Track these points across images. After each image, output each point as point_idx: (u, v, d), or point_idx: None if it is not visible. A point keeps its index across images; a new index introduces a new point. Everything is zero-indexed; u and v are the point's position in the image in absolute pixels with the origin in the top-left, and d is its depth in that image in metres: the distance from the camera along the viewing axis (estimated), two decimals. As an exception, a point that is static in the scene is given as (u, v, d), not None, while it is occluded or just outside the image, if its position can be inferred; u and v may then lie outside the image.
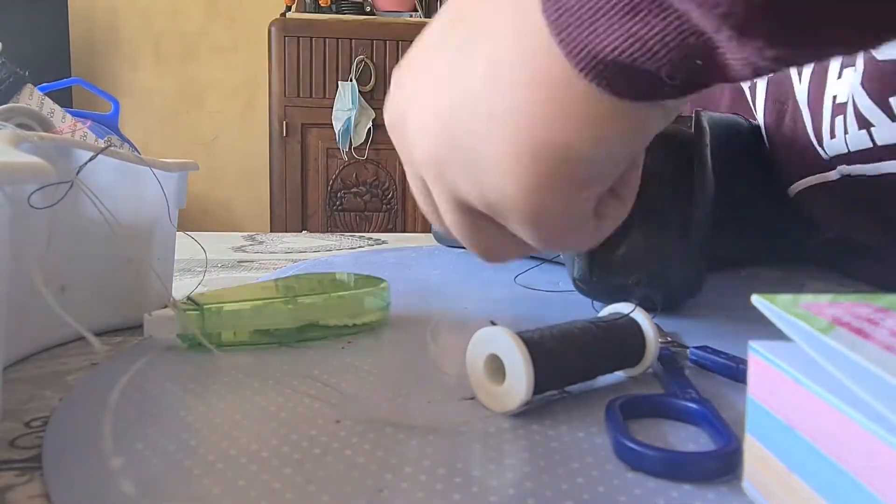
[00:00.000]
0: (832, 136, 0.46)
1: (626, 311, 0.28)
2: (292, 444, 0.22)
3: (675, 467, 0.20)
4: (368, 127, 2.43)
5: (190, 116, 2.80)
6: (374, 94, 2.44)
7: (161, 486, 0.19)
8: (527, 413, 0.24)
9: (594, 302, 0.38)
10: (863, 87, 0.42)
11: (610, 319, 0.28)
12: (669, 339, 0.33)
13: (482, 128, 0.21)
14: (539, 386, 0.23)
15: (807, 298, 0.17)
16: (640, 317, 0.27)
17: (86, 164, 0.29)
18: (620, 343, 0.27)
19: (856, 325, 0.15)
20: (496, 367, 0.24)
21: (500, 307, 0.41)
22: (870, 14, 0.15)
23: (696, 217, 0.36)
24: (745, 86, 0.59)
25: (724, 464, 0.20)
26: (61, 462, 0.21)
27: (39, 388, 0.27)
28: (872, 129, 0.42)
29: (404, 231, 2.52)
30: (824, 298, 0.17)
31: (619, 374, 0.28)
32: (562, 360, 0.25)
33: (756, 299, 0.17)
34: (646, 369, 0.28)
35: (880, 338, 0.14)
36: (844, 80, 0.45)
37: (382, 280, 0.36)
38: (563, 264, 0.46)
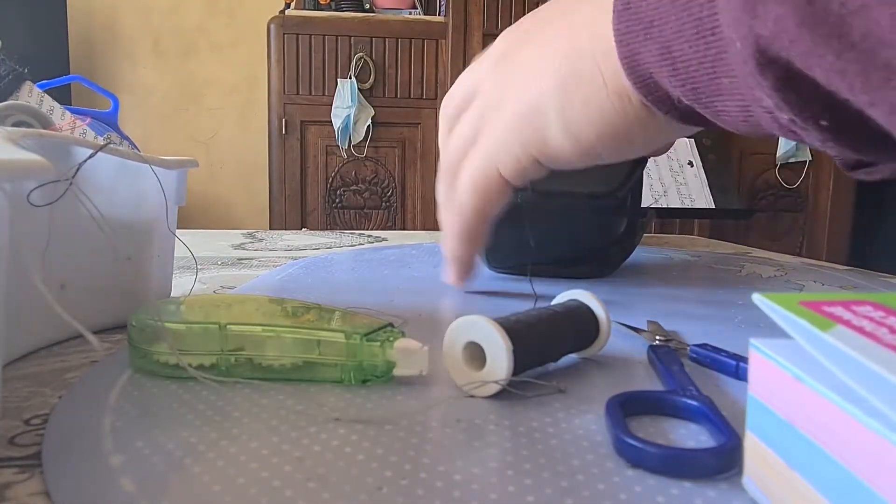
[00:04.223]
0: None
1: (577, 298, 0.31)
2: (292, 441, 0.22)
3: (676, 464, 0.20)
4: (368, 124, 2.43)
5: (189, 113, 2.80)
6: (373, 92, 2.44)
7: (161, 484, 0.19)
8: (526, 410, 0.24)
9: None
10: None
11: (568, 305, 0.30)
12: (669, 337, 0.33)
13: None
14: (517, 367, 0.25)
15: (807, 297, 0.17)
16: (594, 302, 0.30)
17: (85, 161, 0.29)
18: (579, 325, 0.29)
19: (856, 324, 0.15)
20: (474, 354, 0.26)
21: (500, 303, 0.41)
22: None
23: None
24: None
25: (725, 461, 0.20)
26: (61, 460, 0.21)
27: (39, 386, 0.27)
28: None
29: (403, 228, 2.52)
30: (825, 297, 0.17)
31: (574, 357, 0.31)
32: (535, 342, 0.27)
33: (757, 297, 0.17)
34: (601, 348, 0.30)
35: (881, 336, 0.14)
36: None
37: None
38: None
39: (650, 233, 0.82)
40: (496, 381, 0.25)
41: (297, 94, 2.44)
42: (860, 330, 0.15)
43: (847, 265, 0.65)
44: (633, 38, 0.25)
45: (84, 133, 0.47)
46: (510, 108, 0.32)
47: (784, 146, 2.40)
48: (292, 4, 2.51)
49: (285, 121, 2.43)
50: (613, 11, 0.26)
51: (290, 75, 2.42)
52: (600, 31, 0.27)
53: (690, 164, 0.66)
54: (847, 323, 0.15)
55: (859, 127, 0.19)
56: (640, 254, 0.54)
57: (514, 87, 0.32)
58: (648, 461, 0.20)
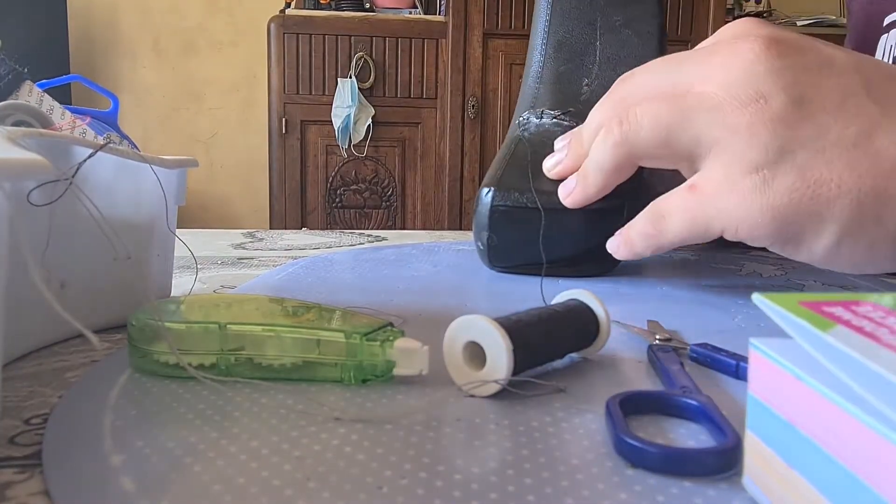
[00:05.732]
0: None
1: (577, 297, 0.31)
2: (292, 440, 0.22)
3: (676, 464, 0.20)
4: (368, 124, 2.43)
5: (189, 113, 2.80)
6: (373, 91, 2.44)
7: (161, 484, 0.19)
8: (526, 410, 0.24)
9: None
10: None
11: (568, 304, 0.30)
12: (669, 336, 0.33)
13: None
14: (517, 366, 0.25)
15: (807, 297, 0.17)
16: (593, 301, 0.30)
17: (84, 161, 0.29)
18: (579, 325, 0.29)
19: (856, 324, 0.15)
20: (474, 353, 0.26)
21: (500, 302, 0.41)
22: None
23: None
24: None
25: (725, 460, 0.20)
26: (61, 459, 0.21)
27: (39, 386, 0.27)
28: None
29: (403, 228, 2.52)
30: (825, 297, 0.17)
31: (575, 356, 0.31)
32: (535, 342, 0.27)
33: (756, 297, 0.17)
34: (601, 347, 0.30)
35: (881, 336, 0.14)
36: None
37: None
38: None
39: None
40: (496, 381, 0.25)
41: (298, 93, 2.44)
42: (860, 330, 0.15)
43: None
44: None
45: (84, 132, 0.47)
46: (777, 196, 0.31)
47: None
48: (292, 4, 2.51)
49: (285, 120, 2.43)
50: None
51: (290, 75, 2.42)
52: None
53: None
54: (847, 323, 0.15)
55: None
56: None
57: (799, 165, 0.31)
58: (649, 461, 0.20)
